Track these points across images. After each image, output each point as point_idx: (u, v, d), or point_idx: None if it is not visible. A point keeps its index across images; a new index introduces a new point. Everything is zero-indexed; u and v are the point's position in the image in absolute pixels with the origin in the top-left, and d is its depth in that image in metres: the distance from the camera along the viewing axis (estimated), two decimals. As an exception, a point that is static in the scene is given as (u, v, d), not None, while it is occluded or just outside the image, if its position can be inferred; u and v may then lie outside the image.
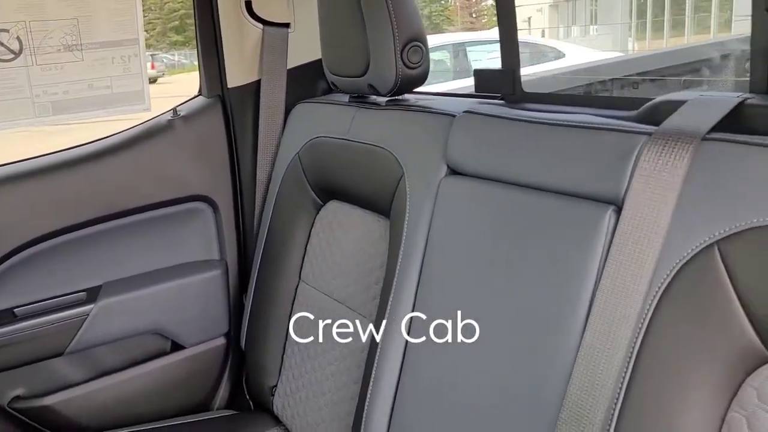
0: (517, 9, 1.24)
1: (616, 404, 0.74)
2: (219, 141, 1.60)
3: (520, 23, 1.55)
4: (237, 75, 1.59)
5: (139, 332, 1.50)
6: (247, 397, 1.56)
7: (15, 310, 1.40)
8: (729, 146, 0.72)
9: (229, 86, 1.59)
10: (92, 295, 1.45)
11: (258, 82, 1.59)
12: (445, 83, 5.05)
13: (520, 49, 1.24)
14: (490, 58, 6.26)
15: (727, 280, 0.67)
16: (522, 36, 1.49)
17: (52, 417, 1.45)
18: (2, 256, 1.39)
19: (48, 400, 1.44)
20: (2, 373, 1.40)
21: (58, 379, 1.46)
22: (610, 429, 0.74)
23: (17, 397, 1.44)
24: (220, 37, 1.56)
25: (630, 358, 0.74)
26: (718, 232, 0.69)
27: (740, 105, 0.79)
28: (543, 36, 16.01)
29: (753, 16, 0.85)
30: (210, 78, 1.60)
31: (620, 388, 0.74)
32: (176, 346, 1.56)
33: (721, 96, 0.83)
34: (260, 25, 1.57)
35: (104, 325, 1.44)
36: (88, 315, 1.42)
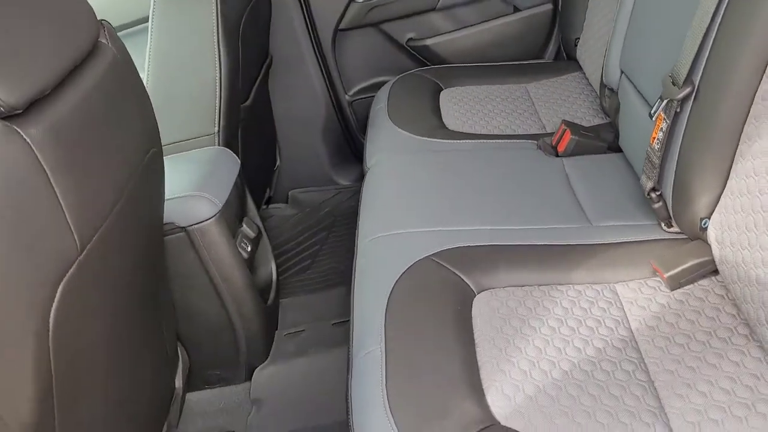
0: None
1: None
2: None
3: None
4: None
5: None
6: (561, 47, 2.15)
7: None
8: None
9: None
10: None
11: None
12: None
13: None
14: None
15: None
16: None
17: (429, 53, 2.22)
18: None
19: (428, 41, 2.20)
20: (401, 20, 2.17)
21: (433, 28, 2.22)
22: None
23: (411, 39, 2.22)
24: None
25: None
26: None
27: None
28: None
29: None
30: None
31: None
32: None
33: None
34: None
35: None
36: None
